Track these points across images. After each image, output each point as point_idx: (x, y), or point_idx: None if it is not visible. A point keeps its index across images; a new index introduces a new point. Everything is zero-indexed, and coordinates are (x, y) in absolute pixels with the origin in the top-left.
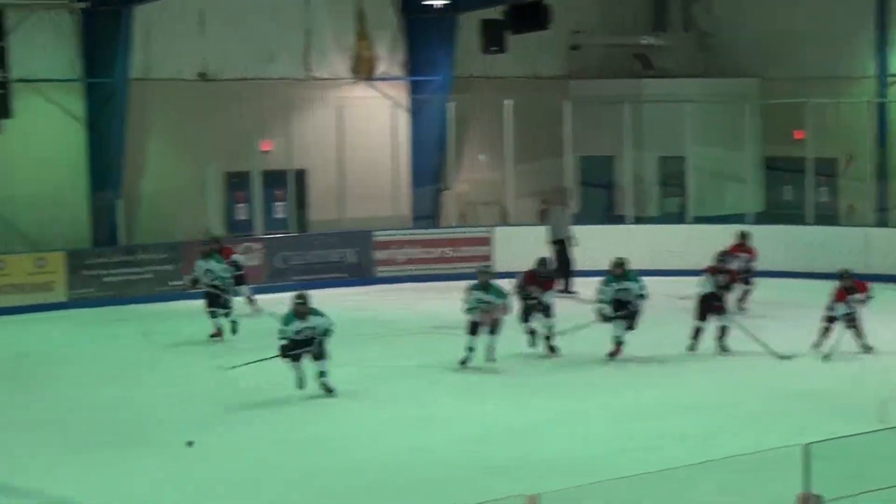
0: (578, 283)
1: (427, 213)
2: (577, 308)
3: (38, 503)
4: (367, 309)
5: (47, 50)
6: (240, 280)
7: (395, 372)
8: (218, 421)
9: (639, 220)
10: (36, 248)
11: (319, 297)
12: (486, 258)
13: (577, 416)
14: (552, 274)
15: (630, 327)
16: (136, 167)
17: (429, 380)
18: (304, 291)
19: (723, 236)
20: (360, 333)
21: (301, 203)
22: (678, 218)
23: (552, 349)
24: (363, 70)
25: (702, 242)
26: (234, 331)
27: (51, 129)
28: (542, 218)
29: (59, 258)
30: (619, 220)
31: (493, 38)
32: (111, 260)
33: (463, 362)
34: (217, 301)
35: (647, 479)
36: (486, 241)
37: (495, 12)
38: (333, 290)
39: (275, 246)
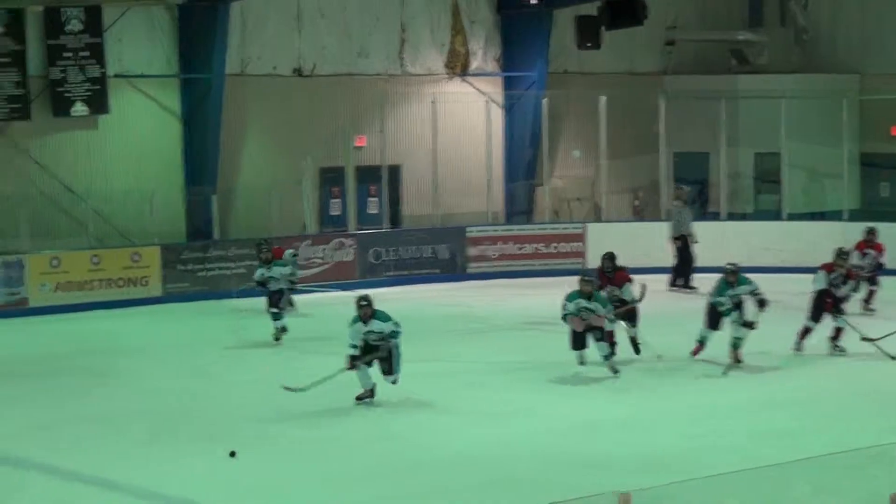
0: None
1: (520, 209)
2: (697, 303)
3: (125, 495)
4: (460, 305)
5: (144, 46)
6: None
7: (487, 367)
8: (307, 416)
9: (733, 217)
10: (131, 242)
11: (412, 293)
12: (580, 254)
13: (667, 413)
14: (619, 267)
15: (750, 327)
16: (231, 162)
17: (520, 375)
18: (367, 293)
19: (818, 233)
20: (452, 329)
21: (394, 199)
22: (773, 215)
23: (636, 348)
24: (458, 65)
25: (797, 239)
26: (276, 338)
27: (147, 124)
28: (669, 215)
29: (153, 253)
30: (714, 216)
31: (587, 33)
32: (205, 255)
33: (582, 364)
34: (276, 303)
35: (739, 476)
36: (579, 238)
37: (590, 8)
38: (425, 285)
39: (367, 241)
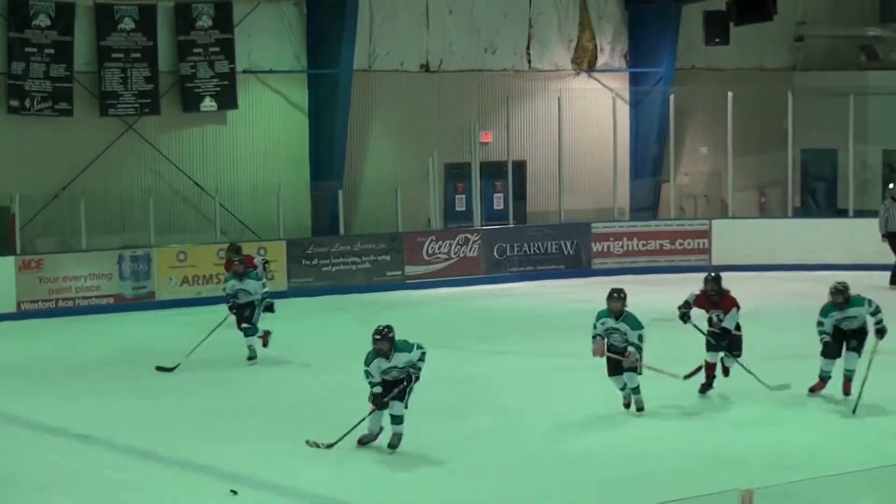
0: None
1: (645, 206)
2: None
3: (258, 489)
4: (584, 301)
5: (272, 41)
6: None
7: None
8: (440, 411)
9: (861, 214)
10: (257, 237)
11: (536, 289)
12: (704, 251)
13: (793, 413)
14: (725, 290)
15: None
16: (357, 158)
17: (645, 372)
18: (384, 326)
19: None
20: (576, 325)
21: (519, 194)
22: None
23: (725, 370)
24: (585, 61)
25: None
26: (250, 357)
27: (274, 119)
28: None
29: (280, 247)
30: (843, 213)
31: (715, 29)
32: (331, 249)
33: (627, 405)
34: (244, 317)
35: (863, 475)
36: (704, 234)
37: (719, 3)
38: (550, 281)
39: (492, 237)
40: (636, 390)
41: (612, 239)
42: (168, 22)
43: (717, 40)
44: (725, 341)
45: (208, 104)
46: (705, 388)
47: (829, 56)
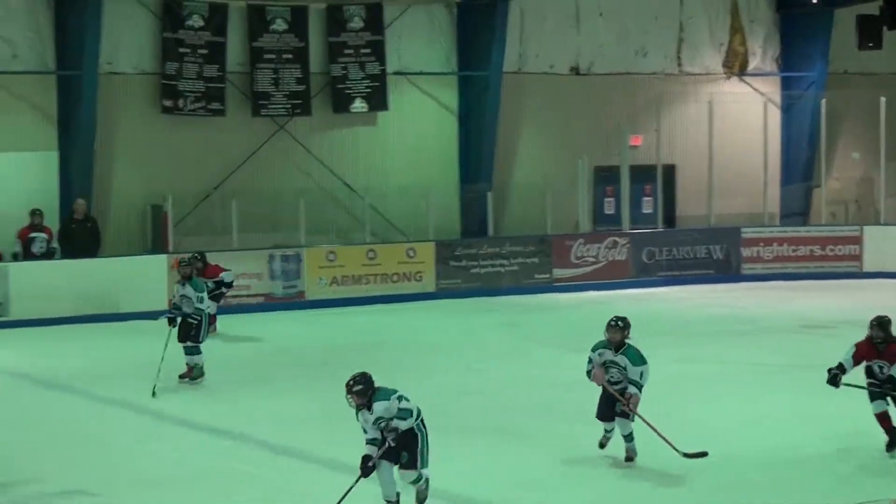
0: None
1: (796, 211)
2: None
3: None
4: (732, 306)
5: (423, 43)
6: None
7: (760, 369)
8: (579, 415)
9: None
10: (406, 238)
11: (684, 293)
12: (856, 258)
13: None
14: (893, 338)
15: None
16: (506, 160)
17: (793, 378)
18: (355, 376)
19: None
20: (723, 331)
21: (669, 198)
22: None
23: None
24: (736, 65)
25: None
26: (195, 376)
27: (424, 121)
28: None
29: (428, 249)
30: None
31: (868, 33)
32: (479, 251)
33: (601, 446)
34: (188, 334)
35: None
36: (856, 241)
37: (872, 7)
38: (698, 286)
39: (641, 241)
40: (628, 437)
41: (762, 244)
42: (319, 23)
43: (870, 45)
44: (889, 386)
45: (359, 105)
46: (891, 445)
47: None
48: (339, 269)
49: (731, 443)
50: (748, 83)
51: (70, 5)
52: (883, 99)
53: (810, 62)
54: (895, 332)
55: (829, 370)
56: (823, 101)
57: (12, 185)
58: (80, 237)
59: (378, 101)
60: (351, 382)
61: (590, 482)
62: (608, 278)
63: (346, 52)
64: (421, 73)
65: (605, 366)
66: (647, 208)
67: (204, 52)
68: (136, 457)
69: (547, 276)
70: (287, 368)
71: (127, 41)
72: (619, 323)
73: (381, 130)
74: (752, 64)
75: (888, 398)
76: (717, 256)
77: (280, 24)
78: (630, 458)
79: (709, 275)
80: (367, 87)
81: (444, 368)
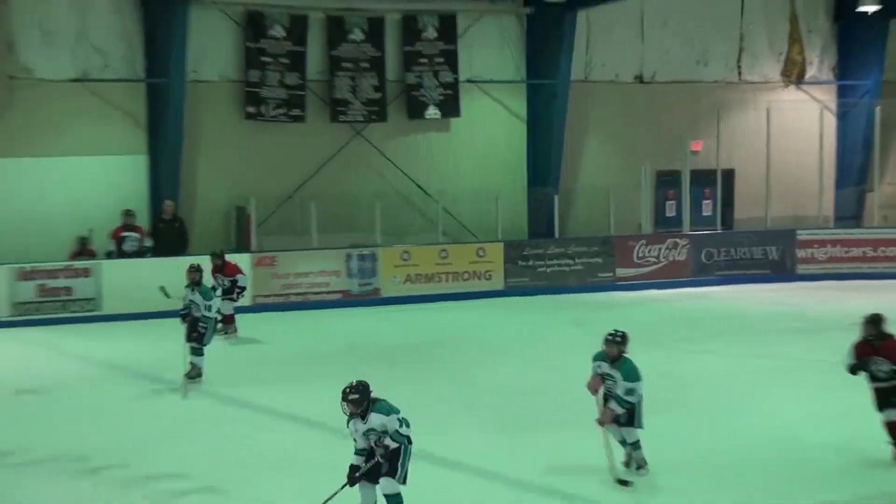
0: None
1: (850, 214)
2: None
3: (481, 478)
4: (788, 304)
5: (493, 52)
6: (230, 293)
7: (816, 366)
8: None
9: None
10: (476, 238)
11: (741, 292)
12: None
13: None
14: (888, 334)
15: None
16: (572, 164)
17: (847, 375)
18: (355, 384)
19: None
20: (780, 328)
21: (727, 201)
22: None
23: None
24: (793, 74)
25: None
26: (192, 375)
27: (494, 127)
28: None
29: (497, 249)
30: None
31: None
32: (546, 252)
33: (626, 464)
34: (194, 336)
35: None
36: None
37: None
38: (754, 285)
39: (700, 242)
40: (635, 445)
41: (816, 246)
42: (395, 33)
43: None
44: None
45: (432, 112)
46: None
47: None
48: (413, 267)
49: (796, 435)
50: (805, 91)
51: (158, 16)
52: None
53: (866, 71)
54: (888, 329)
55: (848, 364)
56: (878, 109)
57: (105, 187)
58: (168, 236)
59: (450, 108)
60: (348, 390)
61: (655, 472)
62: (668, 277)
63: (421, 60)
64: (491, 82)
65: (603, 378)
66: (706, 211)
67: (285, 60)
68: (242, 444)
69: (610, 275)
70: (365, 363)
71: (212, 50)
72: (617, 337)
73: (453, 136)
74: (810, 73)
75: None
76: (772, 257)
77: (357, 34)
78: (640, 466)
79: (765, 274)
80: (440, 95)
81: (510, 364)
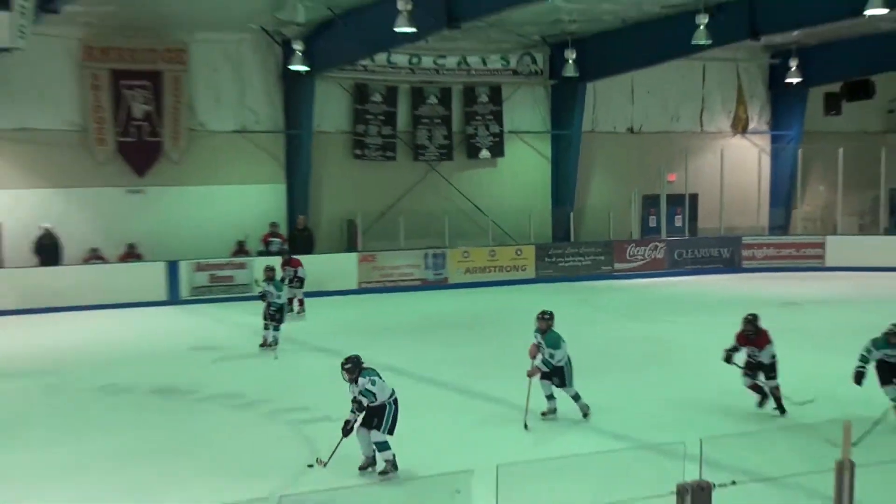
0: None
1: (780, 224)
2: None
3: (501, 405)
4: (736, 289)
5: (528, 111)
6: (297, 282)
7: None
8: (625, 364)
9: None
10: (515, 242)
11: (703, 280)
12: (820, 257)
13: None
14: (761, 329)
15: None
16: (582, 190)
17: (784, 338)
18: (349, 357)
19: None
20: (729, 306)
21: (693, 216)
22: None
23: (781, 409)
24: (739, 126)
25: None
26: (274, 347)
27: (528, 164)
28: None
29: (530, 249)
30: None
31: (832, 104)
32: (564, 251)
33: (543, 414)
34: (272, 316)
35: None
36: (820, 245)
37: (834, 86)
38: (712, 276)
39: (673, 245)
40: (576, 397)
41: (755, 248)
42: (459, 98)
43: (833, 112)
44: (760, 371)
45: (484, 154)
46: (761, 403)
47: None
48: (471, 262)
49: (731, 383)
50: (748, 139)
51: (294, 87)
52: (840, 150)
53: (790, 124)
54: (762, 326)
55: (726, 350)
56: (800, 152)
57: (256, 206)
58: (300, 241)
59: (497, 150)
60: (344, 362)
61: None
62: (651, 270)
63: (476, 117)
64: (526, 132)
65: (538, 345)
66: (678, 223)
67: (382, 118)
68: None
69: (609, 268)
70: (437, 329)
71: (330, 110)
72: (545, 315)
73: (499, 171)
74: (751, 126)
75: (755, 376)
76: (724, 255)
77: (433, 100)
78: (585, 414)
79: (719, 268)
80: (490, 141)
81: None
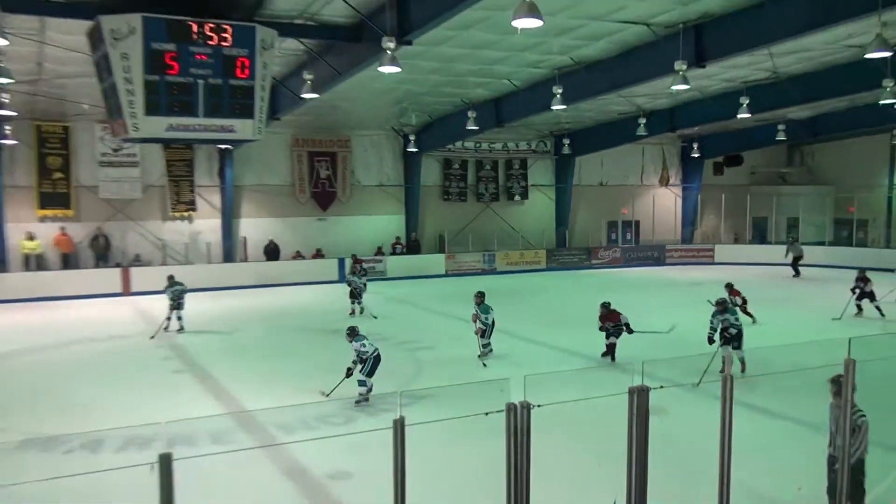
0: None
1: (688, 238)
2: None
3: (534, 345)
4: (661, 275)
5: (543, 171)
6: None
7: (675, 301)
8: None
9: (780, 242)
10: (533, 247)
11: (646, 271)
12: (711, 256)
13: None
14: (613, 311)
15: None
16: (573, 218)
17: (695, 304)
18: (352, 326)
19: None
20: (658, 286)
21: (636, 233)
22: None
23: (612, 357)
24: (664, 182)
25: None
26: (361, 311)
27: (543, 204)
28: None
29: (543, 252)
30: (769, 242)
31: (718, 168)
32: (563, 252)
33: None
34: (355, 296)
35: None
36: (711, 250)
37: (720, 157)
38: (648, 268)
39: (625, 250)
40: (489, 346)
41: (673, 251)
42: (502, 166)
43: (718, 173)
44: (620, 333)
45: (517, 198)
46: (607, 354)
47: (766, 178)
48: (509, 258)
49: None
50: (669, 189)
51: (409, 160)
52: (723, 195)
53: (694, 180)
54: (614, 308)
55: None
56: (699, 196)
57: (387, 227)
58: (414, 248)
59: (524, 196)
60: (349, 328)
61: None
62: (613, 265)
63: (512, 176)
64: (541, 185)
65: (477, 313)
66: (627, 237)
67: (458, 177)
68: (444, 331)
69: (588, 262)
70: (494, 297)
71: (430, 173)
72: (479, 294)
73: (525, 207)
74: (671, 181)
75: (611, 335)
76: (655, 255)
77: (487, 166)
78: (484, 364)
79: (651, 263)
80: (520, 190)
81: (548, 297)
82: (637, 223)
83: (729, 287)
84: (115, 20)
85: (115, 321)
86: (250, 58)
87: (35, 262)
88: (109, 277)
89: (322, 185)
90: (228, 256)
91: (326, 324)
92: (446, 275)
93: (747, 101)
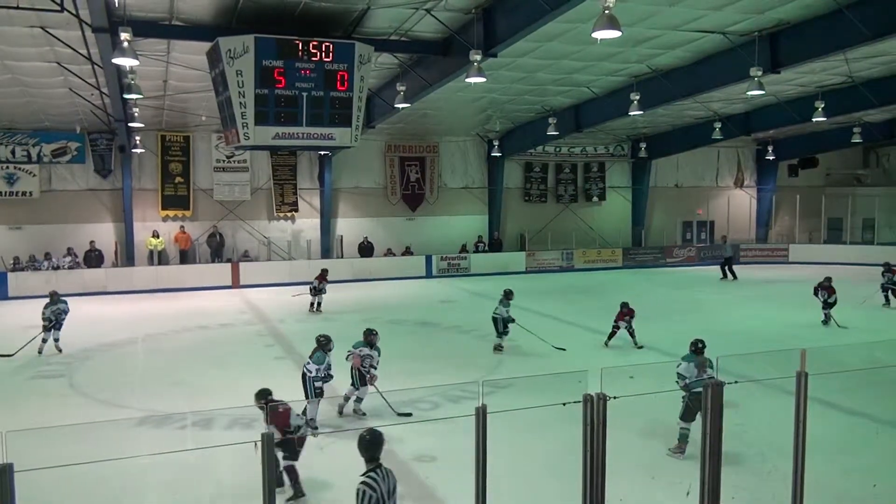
0: None
1: (762, 237)
2: None
3: (579, 329)
4: (735, 274)
5: (618, 175)
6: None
7: (761, 293)
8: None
9: (857, 243)
10: (609, 245)
11: (712, 270)
12: (786, 255)
13: None
14: (630, 309)
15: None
16: (649, 218)
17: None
18: (323, 334)
19: None
20: (723, 284)
21: (711, 232)
22: None
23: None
24: (738, 183)
25: None
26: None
27: (618, 204)
28: None
29: (619, 250)
30: (843, 242)
31: (792, 171)
32: (639, 251)
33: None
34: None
35: None
36: (785, 250)
37: (795, 159)
38: (718, 266)
39: (702, 249)
40: (359, 401)
41: (750, 250)
42: (581, 169)
43: (794, 175)
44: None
45: (595, 199)
46: (609, 338)
47: (841, 180)
48: (587, 256)
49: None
50: (744, 190)
51: (493, 164)
52: (798, 196)
53: (769, 182)
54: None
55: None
56: (774, 197)
57: (471, 226)
58: (496, 246)
59: (602, 197)
60: (323, 336)
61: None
62: (689, 262)
63: (591, 178)
64: (618, 187)
65: (362, 357)
66: (703, 236)
67: (539, 180)
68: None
69: (664, 261)
70: (573, 293)
71: (512, 175)
72: (371, 331)
73: (603, 207)
74: (745, 183)
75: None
76: (729, 255)
77: (567, 169)
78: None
79: (724, 260)
80: (597, 192)
81: (626, 294)
82: (711, 224)
83: (828, 281)
84: (232, 41)
85: (224, 311)
86: (349, 72)
87: (157, 258)
88: (221, 271)
89: (412, 187)
90: (326, 253)
91: (419, 317)
92: (526, 272)
93: (822, 105)
